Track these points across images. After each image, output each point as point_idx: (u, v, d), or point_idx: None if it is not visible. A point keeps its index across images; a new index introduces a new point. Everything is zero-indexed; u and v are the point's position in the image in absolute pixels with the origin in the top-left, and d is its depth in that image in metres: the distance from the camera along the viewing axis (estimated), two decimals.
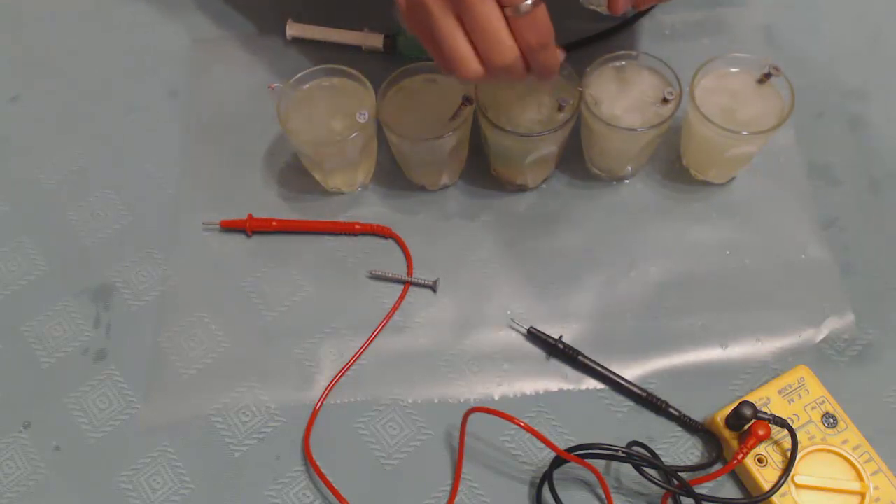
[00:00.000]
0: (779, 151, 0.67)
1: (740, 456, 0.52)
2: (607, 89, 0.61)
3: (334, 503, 0.55)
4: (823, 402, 0.55)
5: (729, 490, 0.55)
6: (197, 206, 0.66)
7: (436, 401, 0.58)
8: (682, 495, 0.53)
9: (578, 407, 0.58)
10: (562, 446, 0.53)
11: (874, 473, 0.53)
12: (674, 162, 0.67)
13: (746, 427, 0.53)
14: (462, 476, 0.55)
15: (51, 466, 0.57)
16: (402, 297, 0.62)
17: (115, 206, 0.66)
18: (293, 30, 0.72)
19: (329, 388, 0.59)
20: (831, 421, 0.54)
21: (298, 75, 0.61)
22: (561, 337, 0.59)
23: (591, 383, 0.59)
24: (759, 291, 0.61)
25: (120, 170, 0.68)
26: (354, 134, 0.59)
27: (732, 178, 0.66)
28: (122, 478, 0.56)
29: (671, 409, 0.57)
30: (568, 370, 0.59)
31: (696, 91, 0.59)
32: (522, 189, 0.66)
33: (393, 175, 0.66)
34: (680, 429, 0.57)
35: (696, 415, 0.57)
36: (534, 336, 0.60)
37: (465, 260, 0.63)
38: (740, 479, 0.55)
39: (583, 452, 0.53)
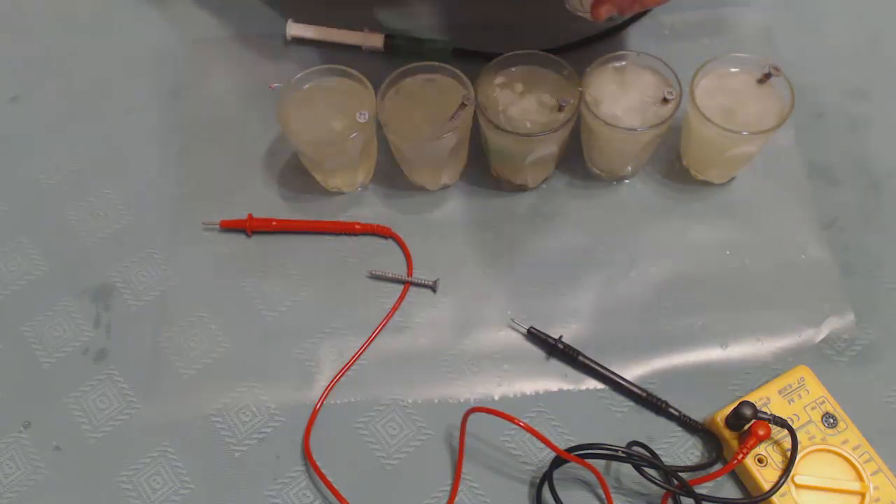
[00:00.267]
0: (779, 151, 0.67)
1: (740, 456, 0.52)
2: (607, 89, 0.61)
3: (334, 503, 0.55)
4: (823, 402, 0.55)
5: (729, 490, 0.55)
6: (197, 206, 0.66)
7: (436, 401, 0.58)
8: (682, 495, 0.53)
9: (578, 407, 0.58)
10: (562, 446, 0.53)
11: (874, 473, 0.53)
12: (674, 162, 0.67)
13: (746, 427, 0.53)
14: (462, 476, 0.55)
15: (51, 466, 0.57)
16: (402, 297, 0.62)
17: (115, 206, 0.66)
18: (293, 30, 0.72)
19: (329, 388, 0.59)
20: (831, 421, 0.54)
21: (298, 75, 0.61)
22: (561, 337, 0.59)
23: (591, 383, 0.59)
24: (759, 291, 0.61)
25: (120, 170, 0.68)
26: (354, 134, 0.59)
27: (732, 178, 0.66)
28: (122, 478, 0.56)
29: (671, 409, 0.57)
30: (568, 370, 0.59)
31: (696, 91, 0.59)
32: (522, 189, 0.66)
33: (393, 175, 0.66)
34: (680, 429, 0.57)
35: (696, 415, 0.57)
36: (534, 336, 0.60)
37: (465, 260, 0.63)
38: (740, 479, 0.55)
39: (583, 452, 0.53)
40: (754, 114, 0.59)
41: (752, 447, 0.53)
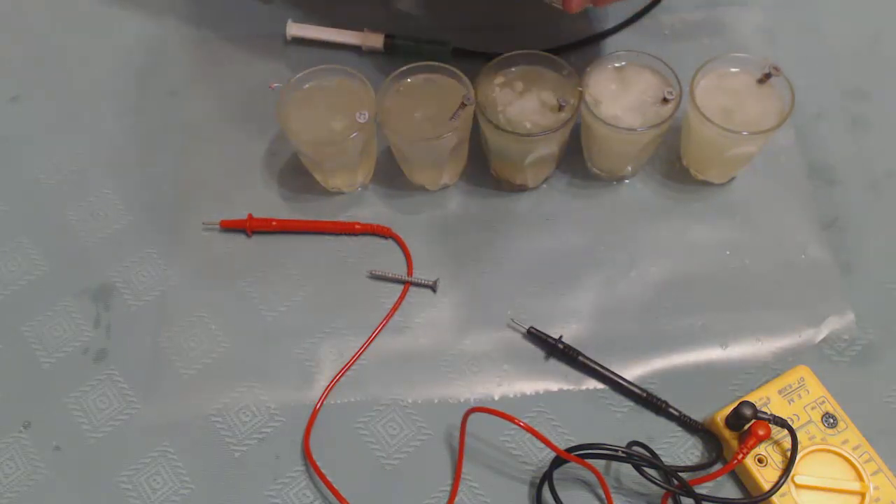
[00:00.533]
0: (779, 151, 0.67)
1: (740, 456, 0.52)
2: (607, 89, 0.61)
3: (334, 503, 0.55)
4: (823, 402, 0.55)
5: (729, 490, 0.55)
6: (197, 206, 0.66)
7: (436, 401, 0.58)
8: (682, 495, 0.53)
9: (578, 407, 0.58)
10: (562, 446, 0.53)
11: (874, 473, 0.53)
12: (674, 162, 0.67)
13: (746, 427, 0.53)
14: (462, 476, 0.55)
15: (51, 466, 0.57)
16: (402, 297, 0.62)
17: (115, 206, 0.66)
18: (293, 30, 0.72)
19: (329, 388, 0.59)
20: (831, 421, 0.54)
21: (298, 75, 0.61)
22: (561, 337, 0.59)
23: (591, 383, 0.59)
24: (759, 291, 0.61)
25: (120, 170, 0.68)
26: (354, 134, 0.59)
27: (732, 178, 0.66)
28: (122, 478, 0.56)
29: (671, 409, 0.57)
30: (568, 370, 0.59)
31: (696, 91, 0.59)
32: (522, 189, 0.66)
33: (393, 175, 0.66)
34: (680, 429, 0.57)
35: (696, 415, 0.57)
36: (534, 336, 0.60)
37: (465, 260, 0.63)
38: (740, 479, 0.55)
39: (583, 452, 0.53)
40: (754, 114, 0.59)
41: (752, 447, 0.53)
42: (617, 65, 0.62)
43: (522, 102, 0.60)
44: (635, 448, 0.54)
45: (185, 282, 0.63)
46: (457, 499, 0.55)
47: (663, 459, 0.55)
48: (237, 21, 0.75)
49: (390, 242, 0.64)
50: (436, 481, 0.55)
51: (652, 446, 0.55)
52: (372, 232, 0.64)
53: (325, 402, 0.58)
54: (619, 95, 0.60)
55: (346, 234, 0.64)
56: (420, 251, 0.63)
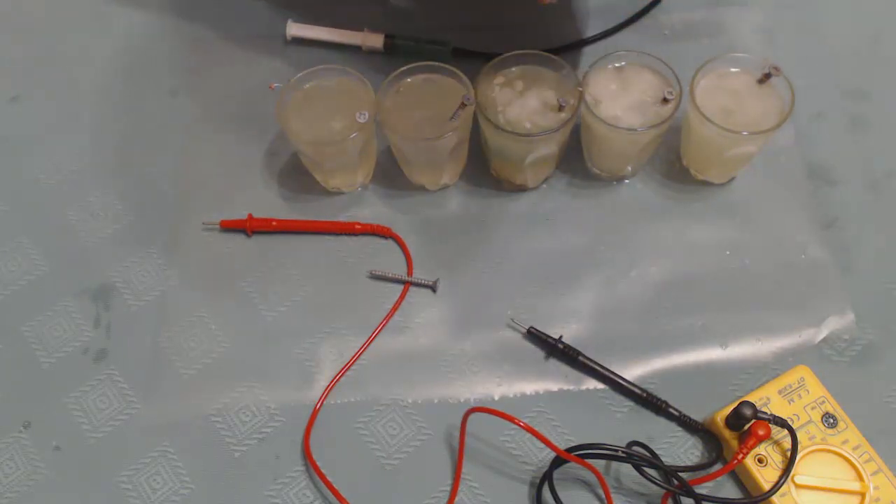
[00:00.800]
0: (779, 151, 0.67)
1: (740, 456, 0.52)
2: (607, 89, 0.61)
3: (334, 503, 0.55)
4: (823, 402, 0.55)
5: (729, 490, 0.55)
6: (197, 206, 0.66)
7: (436, 401, 0.58)
8: (682, 495, 0.53)
9: (578, 407, 0.58)
10: (562, 446, 0.53)
11: (874, 473, 0.53)
12: (674, 162, 0.67)
13: (746, 427, 0.53)
14: (462, 476, 0.55)
15: (51, 466, 0.57)
16: (402, 297, 0.62)
17: (115, 206, 0.66)
18: (293, 30, 0.72)
19: (329, 388, 0.59)
20: (831, 421, 0.54)
21: (298, 75, 0.61)
22: (561, 337, 0.59)
23: (591, 383, 0.59)
24: (759, 291, 0.61)
25: (120, 170, 0.68)
26: (354, 134, 0.59)
27: (732, 178, 0.66)
28: (122, 478, 0.56)
29: (671, 409, 0.57)
30: (568, 370, 0.59)
31: (696, 91, 0.59)
32: (522, 189, 0.66)
33: (393, 175, 0.66)
34: (680, 429, 0.57)
35: (696, 415, 0.57)
36: (534, 336, 0.60)
37: (465, 260, 0.63)
38: (740, 479, 0.55)
39: (583, 452, 0.53)
40: (754, 114, 0.59)
41: (752, 447, 0.53)
42: (617, 65, 0.62)
43: (522, 102, 0.60)
44: (635, 448, 0.54)
45: (185, 282, 0.63)
46: (457, 499, 0.55)
47: (663, 459, 0.55)
48: (237, 21, 0.75)
49: (390, 242, 0.64)
50: (436, 481, 0.55)
51: (652, 446, 0.55)
52: (372, 232, 0.64)
53: (325, 402, 0.58)
54: (619, 95, 0.60)
55: (346, 234, 0.64)
56: (420, 251, 0.63)
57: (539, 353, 0.60)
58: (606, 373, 0.58)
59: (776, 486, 0.52)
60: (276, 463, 0.56)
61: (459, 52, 0.70)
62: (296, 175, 0.67)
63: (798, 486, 0.52)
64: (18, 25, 0.77)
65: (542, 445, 0.55)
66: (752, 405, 0.53)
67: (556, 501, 0.53)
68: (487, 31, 0.72)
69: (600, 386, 0.58)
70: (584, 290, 0.62)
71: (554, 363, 0.59)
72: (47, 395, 0.59)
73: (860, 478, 0.52)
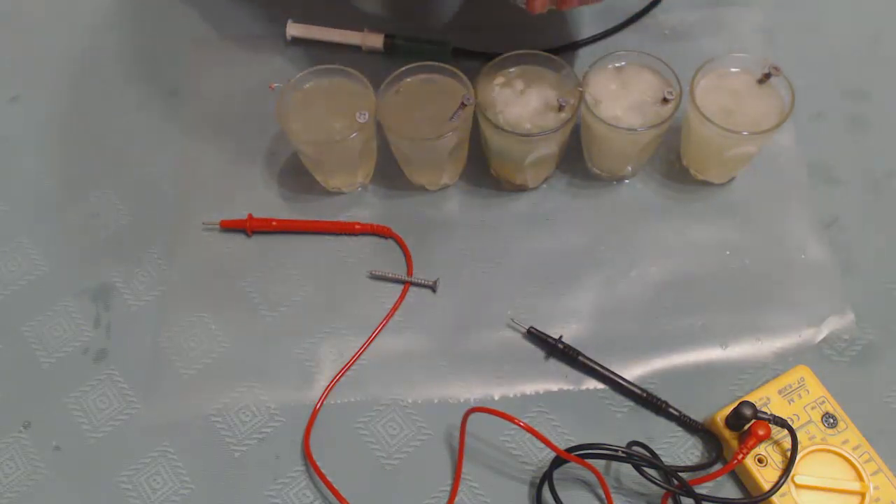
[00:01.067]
0: (779, 151, 0.67)
1: (740, 456, 0.52)
2: (607, 89, 0.61)
3: (334, 503, 0.55)
4: (823, 402, 0.55)
5: (729, 490, 0.55)
6: (197, 206, 0.66)
7: (436, 401, 0.58)
8: (682, 495, 0.53)
9: (578, 407, 0.58)
10: (562, 446, 0.53)
11: (874, 473, 0.53)
12: (674, 162, 0.67)
13: (746, 427, 0.53)
14: (462, 476, 0.55)
15: (51, 466, 0.57)
16: (402, 297, 0.62)
17: (115, 206, 0.66)
18: (293, 30, 0.72)
19: (329, 388, 0.59)
20: (831, 421, 0.54)
21: (298, 75, 0.61)
22: (561, 337, 0.59)
23: (591, 383, 0.59)
24: (759, 291, 0.61)
25: (120, 170, 0.68)
26: (354, 134, 0.59)
27: (732, 178, 0.66)
28: (122, 478, 0.56)
29: (671, 409, 0.57)
30: (568, 370, 0.59)
31: (696, 91, 0.59)
32: (522, 189, 0.66)
33: (393, 175, 0.66)
34: (680, 429, 0.57)
35: (696, 415, 0.57)
36: (534, 336, 0.60)
37: (465, 260, 0.63)
38: (740, 479, 0.55)
39: (583, 452, 0.53)
40: (754, 114, 0.59)
41: (752, 447, 0.53)
42: (617, 65, 0.62)
43: (522, 102, 0.60)
44: (635, 448, 0.54)
45: (185, 282, 0.63)
46: (457, 499, 0.55)
47: (663, 459, 0.55)
48: (237, 21, 0.75)
49: (390, 242, 0.64)
50: (436, 481, 0.55)
51: (652, 446, 0.55)
52: (372, 232, 0.64)
53: (325, 402, 0.58)
54: (619, 95, 0.60)
55: (346, 234, 0.64)
56: (420, 251, 0.63)
57: (539, 353, 0.60)
58: (606, 373, 0.58)
59: (776, 486, 0.52)
60: (276, 463, 0.56)
61: (459, 52, 0.70)
62: (296, 175, 0.66)
63: (798, 486, 0.52)
64: (18, 25, 0.77)
65: (542, 445, 0.55)
66: (752, 405, 0.53)
67: (556, 501, 0.53)
68: (487, 31, 0.72)
69: (600, 386, 0.58)
70: (584, 290, 0.62)
71: (554, 363, 0.59)
72: (47, 395, 0.59)
73: (860, 478, 0.53)
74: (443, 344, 0.60)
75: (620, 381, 0.58)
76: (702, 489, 0.54)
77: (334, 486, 0.55)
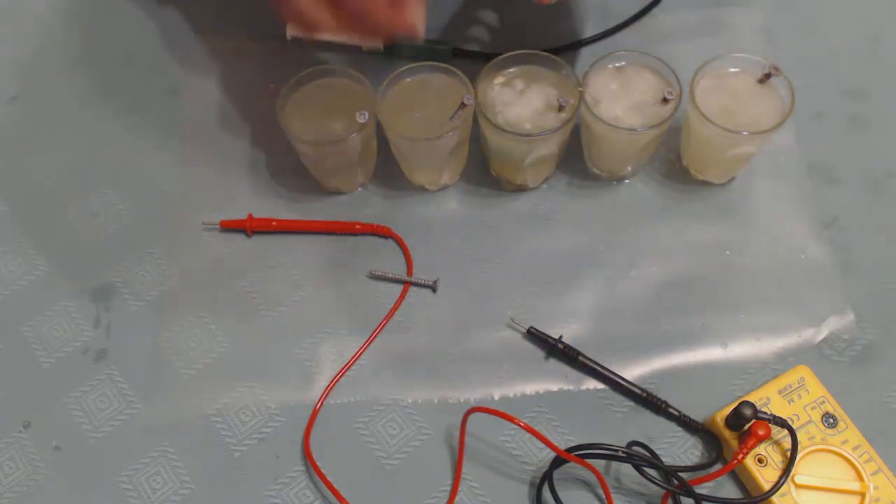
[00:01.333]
0: (779, 151, 0.67)
1: (740, 456, 0.52)
2: (607, 89, 0.61)
3: (334, 503, 0.55)
4: (823, 402, 0.55)
5: (729, 490, 0.55)
6: (197, 206, 0.66)
7: (436, 401, 0.58)
8: (682, 495, 0.53)
9: (578, 407, 0.58)
10: (562, 446, 0.53)
11: (874, 473, 0.53)
12: (674, 162, 0.67)
13: (746, 427, 0.53)
14: (462, 476, 0.55)
15: (51, 466, 0.57)
16: (402, 297, 0.62)
17: (115, 206, 0.66)
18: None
19: (329, 388, 0.59)
20: (831, 421, 0.54)
21: (298, 75, 0.61)
22: (561, 337, 0.59)
23: (591, 383, 0.59)
24: (759, 291, 0.61)
25: (120, 170, 0.68)
26: (354, 134, 0.59)
27: (732, 178, 0.66)
28: (122, 478, 0.56)
29: (671, 409, 0.57)
30: (568, 370, 0.59)
31: (696, 91, 0.59)
32: (522, 189, 0.66)
33: (393, 175, 0.66)
34: (680, 429, 0.57)
35: (696, 415, 0.57)
36: (534, 336, 0.60)
37: (465, 260, 0.63)
38: (740, 479, 0.55)
39: (583, 452, 0.53)
40: (754, 114, 0.59)
41: (752, 447, 0.53)
42: (617, 65, 0.62)
43: (522, 102, 0.60)
44: (635, 448, 0.54)
45: (185, 282, 0.63)
46: (457, 499, 0.55)
47: (663, 459, 0.55)
48: (237, 21, 0.75)
49: (390, 242, 0.64)
50: (436, 481, 0.56)
51: (652, 446, 0.55)
52: (372, 232, 0.64)
53: (325, 402, 0.58)
54: (619, 95, 0.60)
55: (346, 234, 0.64)
56: (420, 251, 0.63)
57: (539, 353, 0.60)
58: (606, 373, 0.58)
59: (776, 486, 0.52)
60: (276, 463, 0.56)
61: (459, 52, 0.70)
62: (296, 175, 0.66)
63: (798, 486, 0.52)
64: (18, 25, 0.77)
65: (542, 445, 0.55)
66: (752, 405, 0.53)
67: (556, 501, 0.53)
68: (487, 31, 0.72)
69: (600, 386, 0.58)
70: (584, 290, 0.62)
71: (554, 363, 0.59)
72: (47, 395, 0.59)
73: (860, 478, 0.53)
74: (443, 344, 0.60)
75: (620, 381, 0.58)
76: (702, 489, 0.54)
77: (334, 486, 0.55)
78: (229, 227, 0.65)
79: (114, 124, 0.70)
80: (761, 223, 0.64)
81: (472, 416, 0.55)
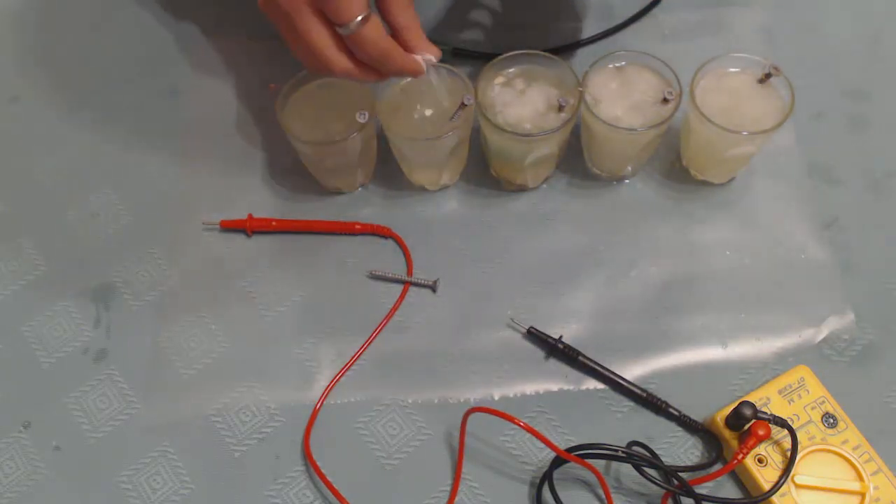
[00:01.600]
0: (779, 151, 0.67)
1: (740, 456, 0.52)
2: (607, 89, 0.61)
3: (334, 503, 0.55)
4: (823, 402, 0.55)
5: (729, 490, 0.55)
6: (197, 206, 0.66)
7: (436, 401, 0.58)
8: (682, 495, 0.53)
9: (578, 407, 0.58)
10: (562, 446, 0.53)
11: (874, 473, 0.53)
12: (674, 162, 0.67)
13: (746, 427, 0.53)
14: (462, 476, 0.55)
15: (51, 466, 0.57)
16: (402, 297, 0.62)
17: (115, 206, 0.66)
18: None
19: (329, 388, 0.59)
20: (831, 421, 0.54)
21: (298, 75, 0.61)
22: (561, 337, 0.59)
23: (591, 383, 0.59)
24: (759, 291, 0.61)
25: (120, 170, 0.68)
26: (354, 134, 0.59)
27: (732, 178, 0.66)
28: (122, 478, 0.56)
29: (671, 409, 0.57)
30: (568, 370, 0.59)
31: (696, 91, 0.59)
32: (522, 189, 0.66)
33: (393, 175, 0.66)
34: (680, 429, 0.57)
35: (696, 415, 0.57)
36: (534, 336, 0.60)
37: (465, 260, 0.63)
38: (740, 479, 0.55)
39: (583, 452, 0.53)
40: (754, 114, 0.59)
41: (752, 447, 0.53)
42: (617, 65, 0.62)
43: (522, 102, 0.60)
44: (635, 448, 0.54)
45: (185, 282, 0.63)
46: (457, 499, 0.55)
47: (663, 459, 0.55)
48: (237, 21, 0.75)
49: (390, 242, 0.64)
50: (436, 481, 0.55)
51: (652, 446, 0.55)
52: (372, 232, 0.64)
53: (325, 402, 0.58)
54: (619, 95, 0.60)
55: (345, 234, 0.64)
56: (420, 251, 0.63)
57: (539, 353, 0.60)
58: (606, 373, 0.58)
59: (776, 486, 0.52)
60: (276, 463, 0.56)
61: (459, 52, 0.70)
62: (296, 175, 0.66)
63: (798, 486, 0.52)
64: (18, 25, 0.77)
65: (542, 445, 0.55)
66: (752, 405, 0.53)
67: (556, 501, 0.53)
68: (487, 31, 0.72)
69: (600, 386, 0.58)
70: (584, 290, 0.62)
71: (554, 363, 0.59)
72: (47, 395, 0.59)
73: (860, 478, 0.53)
74: (443, 344, 0.60)
75: (620, 381, 0.58)
76: (702, 489, 0.54)
77: (334, 486, 0.55)
78: (229, 227, 0.65)
79: (114, 124, 0.70)
80: (761, 223, 0.64)
81: (472, 416, 0.55)
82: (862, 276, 0.62)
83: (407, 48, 0.53)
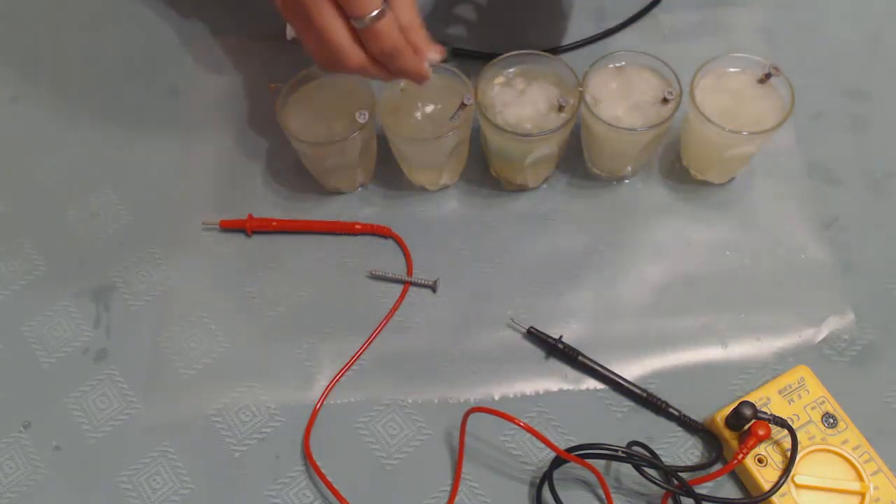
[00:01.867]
0: (779, 151, 0.67)
1: (740, 456, 0.52)
2: (607, 89, 0.61)
3: (334, 503, 0.55)
4: (823, 402, 0.55)
5: (729, 490, 0.55)
6: (197, 206, 0.66)
7: (436, 401, 0.58)
8: (682, 495, 0.53)
9: (578, 407, 0.58)
10: (562, 446, 0.53)
11: (874, 473, 0.53)
12: (674, 162, 0.67)
13: (746, 427, 0.53)
14: (462, 476, 0.55)
15: (51, 466, 0.57)
16: (402, 297, 0.62)
17: (115, 206, 0.66)
18: (293, 30, 0.72)
19: (329, 388, 0.59)
20: (831, 421, 0.54)
21: (298, 75, 0.61)
22: (561, 337, 0.59)
23: (591, 383, 0.59)
24: (759, 291, 0.61)
25: (120, 170, 0.68)
26: (354, 134, 0.59)
27: (732, 178, 0.66)
28: (122, 478, 0.56)
29: (671, 409, 0.57)
30: (568, 370, 0.59)
31: (696, 91, 0.59)
32: (522, 189, 0.66)
33: (393, 175, 0.66)
34: (680, 429, 0.57)
35: (696, 415, 0.57)
36: (534, 336, 0.60)
37: (465, 260, 0.63)
38: (740, 479, 0.55)
39: (583, 452, 0.53)
40: (754, 114, 0.59)
41: (752, 447, 0.53)
42: (617, 65, 0.62)
43: (522, 102, 0.60)
44: (635, 448, 0.54)
45: (185, 282, 0.63)
46: (457, 499, 0.55)
47: (663, 459, 0.55)
48: (237, 21, 0.75)
49: (390, 242, 0.64)
50: (436, 481, 0.55)
51: (652, 446, 0.55)
52: (372, 232, 0.64)
53: (325, 402, 0.58)
54: (619, 95, 0.60)
55: (346, 234, 0.64)
56: (420, 251, 0.63)
57: (539, 353, 0.60)
58: (606, 373, 0.58)
59: (776, 486, 0.52)
60: (276, 463, 0.56)
61: (459, 52, 0.70)
62: (296, 175, 0.67)
63: (798, 486, 0.52)
64: (18, 25, 0.77)
65: (542, 445, 0.55)
66: (752, 405, 0.53)
67: (556, 501, 0.53)
68: (487, 31, 0.72)
69: (600, 386, 0.58)
70: (584, 290, 0.62)
71: (554, 363, 0.59)
72: (47, 395, 0.59)
73: (860, 478, 0.53)
74: (443, 344, 0.60)
75: (620, 381, 0.58)
76: (702, 489, 0.54)
77: (334, 486, 0.55)
78: (229, 227, 0.65)
79: (114, 124, 0.70)
80: (761, 223, 0.64)
81: (472, 416, 0.55)
82: (862, 276, 0.62)
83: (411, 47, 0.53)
